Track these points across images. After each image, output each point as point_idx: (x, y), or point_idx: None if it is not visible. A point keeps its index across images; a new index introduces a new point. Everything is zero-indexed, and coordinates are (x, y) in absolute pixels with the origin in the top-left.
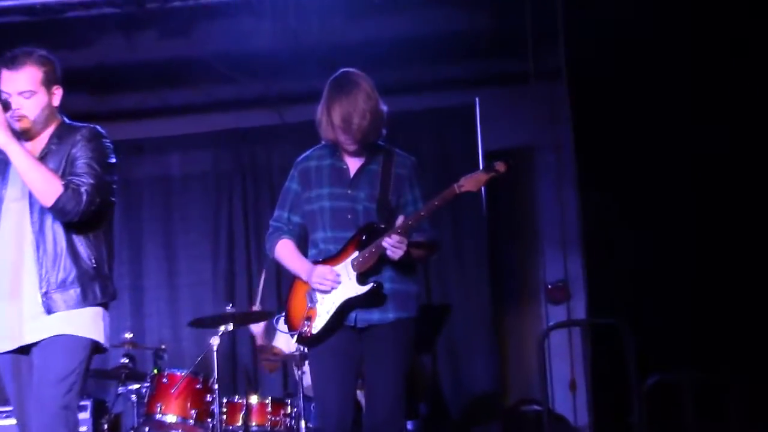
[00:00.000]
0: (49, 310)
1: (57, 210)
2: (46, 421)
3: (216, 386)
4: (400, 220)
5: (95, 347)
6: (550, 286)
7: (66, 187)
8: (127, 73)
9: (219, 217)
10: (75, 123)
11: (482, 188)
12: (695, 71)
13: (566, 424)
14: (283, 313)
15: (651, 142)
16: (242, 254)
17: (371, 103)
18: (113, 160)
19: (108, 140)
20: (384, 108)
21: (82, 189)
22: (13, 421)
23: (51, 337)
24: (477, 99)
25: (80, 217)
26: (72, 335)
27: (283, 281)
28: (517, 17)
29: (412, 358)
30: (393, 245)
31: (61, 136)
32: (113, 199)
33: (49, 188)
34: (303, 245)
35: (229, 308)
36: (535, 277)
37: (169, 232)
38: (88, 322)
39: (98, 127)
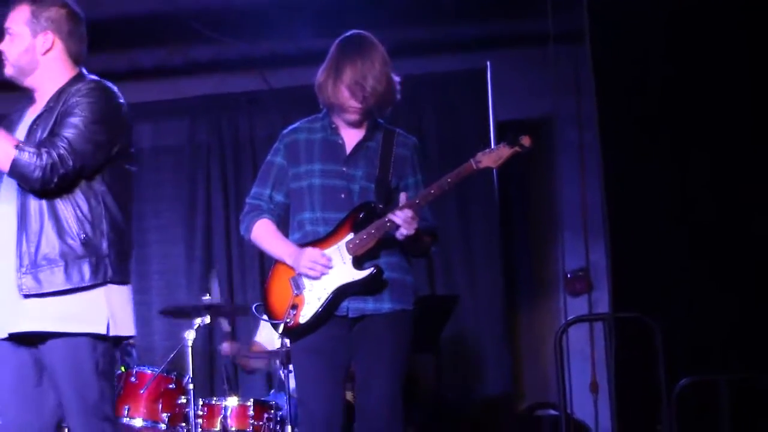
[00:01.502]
0: (25, 293)
1: (15, 176)
2: None
3: (191, 386)
4: (403, 197)
5: (105, 338)
6: (569, 276)
7: (21, 149)
8: (91, 30)
9: (195, 195)
10: (88, 77)
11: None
12: (745, 34)
13: (585, 430)
14: (261, 303)
15: (687, 114)
16: (221, 238)
17: (387, 69)
18: (117, 120)
19: (114, 97)
20: (398, 80)
21: (44, 150)
22: None
23: (44, 340)
24: (488, 63)
25: (43, 184)
26: (64, 335)
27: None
28: None
29: (410, 355)
30: (406, 220)
31: (63, 91)
32: (128, 166)
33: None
34: (284, 229)
35: (205, 299)
36: (552, 266)
37: (137, 213)
38: (82, 313)
39: (106, 82)
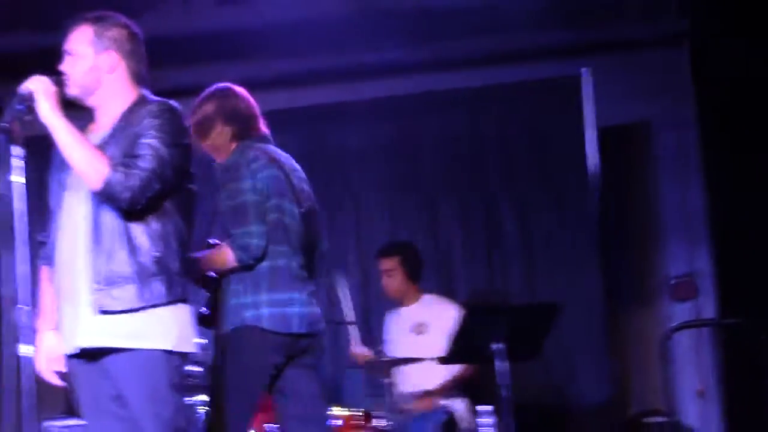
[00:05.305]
0: (100, 309)
1: (104, 195)
2: None
3: None
4: None
5: (175, 355)
6: (674, 282)
7: (114, 169)
8: (183, 45)
9: None
10: (151, 98)
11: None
12: None
13: None
14: None
15: None
16: None
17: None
18: (186, 141)
19: (181, 118)
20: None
21: (134, 171)
22: None
23: (118, 354)
24: (584, 70)
25: (131, 205)
26: (139, 350)
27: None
28: None
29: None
30: None
31: (132, 112)
32: (191, 186)
33: (93, 170)
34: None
35: None
36: (656, 272)
37: None
38: (155, 329)
39: (172, 102)
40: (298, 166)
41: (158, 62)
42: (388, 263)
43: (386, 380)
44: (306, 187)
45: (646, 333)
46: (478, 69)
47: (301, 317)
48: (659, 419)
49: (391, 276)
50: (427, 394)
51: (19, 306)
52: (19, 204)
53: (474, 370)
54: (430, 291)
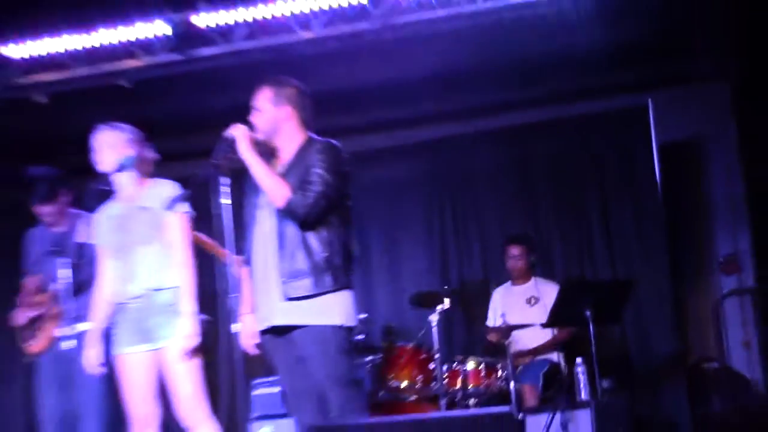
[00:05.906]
0: (286, 297)
1: (287, 211)
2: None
3: (437, 356)
4: None
5: (342, 329)
6: (722, 260)
7: (294, 192)
8: (345, 96)
9: (431, 217)
10: (317, 138)
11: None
12: None
13: (742, 377)
14: None
15: None
16: (452, 245)
17: None
18: (344, 170)
19: (341, 152)
20: None
21: (308, 194)
22: (275, 389)
23: (300, 329)
24: (649, 100)
25: (306, 218)
26: (315, 326)
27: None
28: (683, 27)
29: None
30: None
31: (304, 149)
32: (349, 203)
33: (279, 193)
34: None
35: (445, 289)
36: (709, 253)
37: (392, 226)
38: (327, 310)
39: (333, 141)
40: None
41: (325, 110)
42: (517, 250)
43: (506, 341)
44: None
45: (702, 300)
46: (565, 104)
47: None
48: (714, 365)
49: (519, 260)
50: (534, 351)
51: (230, 296)
52: (227, 220)
53: (568, 334)
54: (537, 274)
